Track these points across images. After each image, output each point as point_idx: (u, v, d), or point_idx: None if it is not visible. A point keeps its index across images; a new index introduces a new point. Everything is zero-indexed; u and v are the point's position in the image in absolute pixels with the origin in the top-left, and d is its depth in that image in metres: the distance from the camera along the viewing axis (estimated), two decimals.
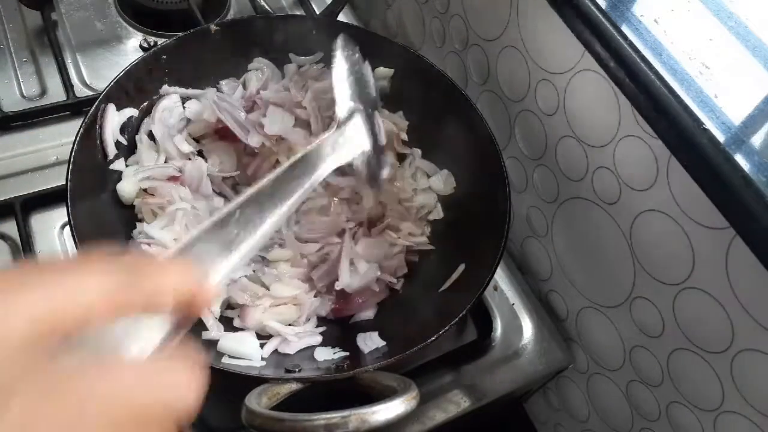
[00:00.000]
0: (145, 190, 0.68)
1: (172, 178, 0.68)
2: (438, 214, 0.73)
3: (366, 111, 0.59)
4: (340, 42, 0.62)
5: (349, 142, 0.54)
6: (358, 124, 0.57)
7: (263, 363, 0.60)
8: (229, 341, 0.60)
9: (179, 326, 0.30)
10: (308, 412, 0.46)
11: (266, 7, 0.94)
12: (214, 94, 0.71)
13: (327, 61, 0.77)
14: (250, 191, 0.40)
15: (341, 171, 0.53)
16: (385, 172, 0.62)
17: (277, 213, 0.40)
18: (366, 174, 0.57)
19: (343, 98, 0.58)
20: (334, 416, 0.45)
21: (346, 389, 0.57)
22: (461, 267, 0.67)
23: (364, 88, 0.62)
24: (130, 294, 0.25)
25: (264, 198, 0.40)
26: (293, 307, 0.64)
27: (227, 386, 0.66)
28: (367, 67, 0.65)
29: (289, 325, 0.64)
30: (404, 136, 0.77)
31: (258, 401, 0.50)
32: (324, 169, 0.48)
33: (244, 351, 0.60)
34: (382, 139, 0.63)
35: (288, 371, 0.58)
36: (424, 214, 0.73)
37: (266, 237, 0.39)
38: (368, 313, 0.67)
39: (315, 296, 0.66)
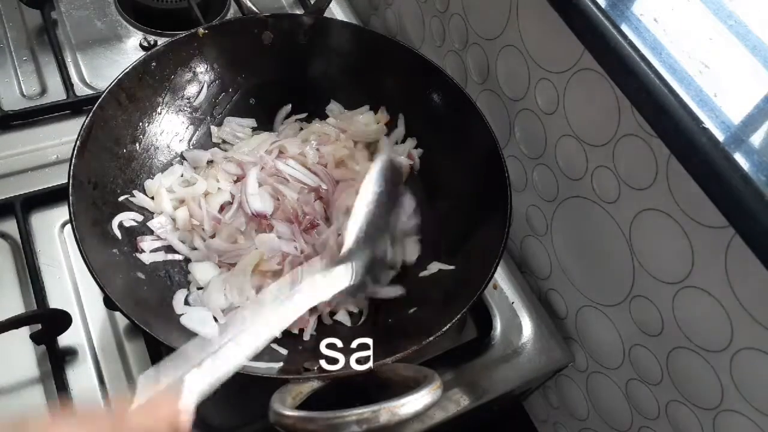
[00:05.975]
0: None
1: None
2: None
3: (373, 249, 0.61)
4: (380, 164, 0.63)
5: (331, 284, 0.56)
6: (349, 268, 0.58)
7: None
8: (191, 320, 0.62)
9: None
10: (328, 410, 0.47)
11: (253, 8, 0.94)
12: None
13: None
14: (231, 330, 0.44)
15: None
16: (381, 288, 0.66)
17: (252, 346, 0.45)
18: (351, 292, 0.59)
19: (352, 234, 0.59)
20: (365, 411, 0.45)
21: (357, 384, 0.58)
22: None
23: (388, 220, 0.64)
24: None
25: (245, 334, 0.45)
26: None
27: (228, 386, 0.66)
28: (405, 200, 0.67)
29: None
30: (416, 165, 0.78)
31: (283, 402, 0.50)
32: (301, 308, 0.51)
33: (203, 330, 0.62)
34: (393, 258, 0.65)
35: (306, 369, 0.58)
36: None
37: (241, 364, 0.43)
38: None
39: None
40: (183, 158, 0.75)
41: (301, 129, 0.80)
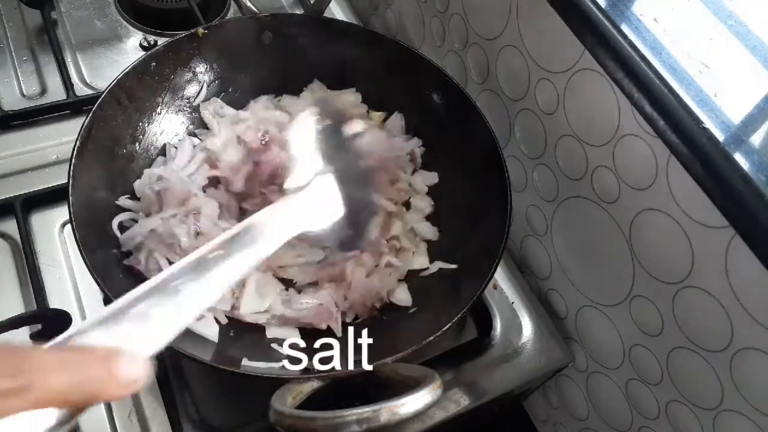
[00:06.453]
0: None
1: None
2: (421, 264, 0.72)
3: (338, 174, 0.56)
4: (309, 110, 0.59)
5: (311, 210, 0.51)
6: (324, 188, 0.53)
7: (217, 342, 0.61)
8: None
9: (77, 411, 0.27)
10: (326, 410, 0.47)
11: (253, 8, 0.94)
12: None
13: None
14: (186, 260, 0.37)
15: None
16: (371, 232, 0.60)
17: (216, 288, 0.38)
18: (337, 241, 0.55)
19: (305, 159, 0.55)
20: (365, 411, 0.46)
21: (357, 384, 0.58)
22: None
23: (338, 151, 0.59)
24: (6, 403, 0.25)
25: (202, 270, 0.38)
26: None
27: (228, 386, 0.66)
28: (344, 133, 0.61)
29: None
30: (419, 160, 0.78)
31: (283, 401, 0.50)
32: (275, 241, 0.45)
33: (204, 331, 0.61)
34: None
35: (307, 370, 0.58)
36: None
37: (201, 310, 0.37)
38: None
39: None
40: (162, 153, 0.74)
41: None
